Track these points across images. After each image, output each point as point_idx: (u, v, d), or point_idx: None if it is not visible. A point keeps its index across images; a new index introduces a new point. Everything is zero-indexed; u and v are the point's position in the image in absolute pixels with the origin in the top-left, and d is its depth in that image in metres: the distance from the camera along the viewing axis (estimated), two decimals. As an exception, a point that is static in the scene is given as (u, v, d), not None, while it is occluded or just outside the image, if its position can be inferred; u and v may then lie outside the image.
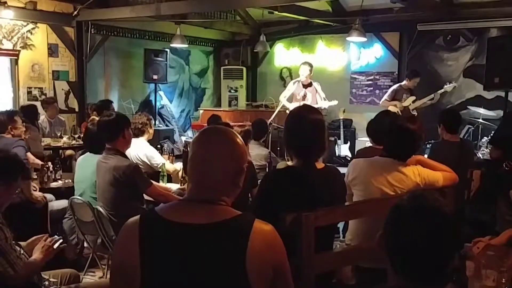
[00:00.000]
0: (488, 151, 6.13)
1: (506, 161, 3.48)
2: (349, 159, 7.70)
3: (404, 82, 7.50)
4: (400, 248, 1.39)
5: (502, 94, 6.60)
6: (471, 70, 8.21)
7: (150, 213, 1.62)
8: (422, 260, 1.36)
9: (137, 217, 1.58)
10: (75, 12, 8.04)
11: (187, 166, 1.65)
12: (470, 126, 7.22)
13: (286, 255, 1.60)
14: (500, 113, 6.80)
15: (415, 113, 7.08)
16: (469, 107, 7.62)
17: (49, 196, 4.79)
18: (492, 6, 7.55)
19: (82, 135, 7.06)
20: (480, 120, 7.01)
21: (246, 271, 1.47)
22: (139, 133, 4.87)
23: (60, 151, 6.94)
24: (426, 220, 1.36)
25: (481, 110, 7.16)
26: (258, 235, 1.50)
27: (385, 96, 7.60)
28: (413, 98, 7.36)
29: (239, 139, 1.65)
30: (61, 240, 2.83)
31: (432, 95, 7.28)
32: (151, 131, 5.09)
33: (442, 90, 7.27)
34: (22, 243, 2.78)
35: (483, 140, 6.62)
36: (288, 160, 3.35)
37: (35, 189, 4.56)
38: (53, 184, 4.90)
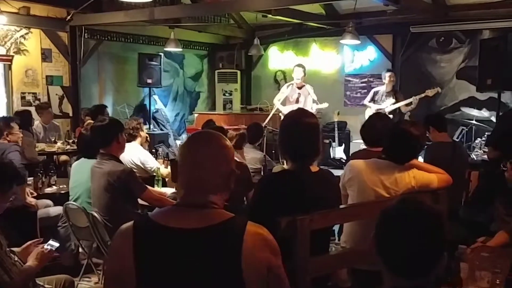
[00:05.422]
0: (482, 152, 6.17)
1: (503, 161, 3.50)
2: (344, 161, 7.72)
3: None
4: (388, 248, 1.45)
5: (495, 95, 6.64)
6: (464, 71, 8.25)
7: (143, 219, 1.63)
8: (410, 259, 1.42)
9: (131, 223, 1.58)
10: (69, 17, 8.01)
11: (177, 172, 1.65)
12: (463, 127, 7.25)
13: (281, 257, 1.60)
14: (493, 114, 6.84)
15: (391, 116, 6.92)
16: (462, 108, 7.64)
17: (47, 201, 4.78)
18: (484, 8, 7.60)
19: (76, 140, 7.06)
20: (474, 122, 7.05)
21: (242, 272, 1.48)
22: (131, 138, 4.88)
23: (55, 156, 6.91)
24: (411, 221, 1.43)
25: (475, 112, 7.19)
26: (251, 236, 1.52)
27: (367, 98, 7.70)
28: (392, 101, 7.38)
29: (228, 142, 1.67)
30: (56, 245, 2.82)
31: (410, 100, 7.22)
32: (143, 134, 5.12)
33: (423, 95, 7.16)
34: (16, 249, 2.77)
35: (476, 141, 6.65)
36: (283, 164, 3.36)
37: (34, 194, 4.56)
38: (48, 190, 4.89)
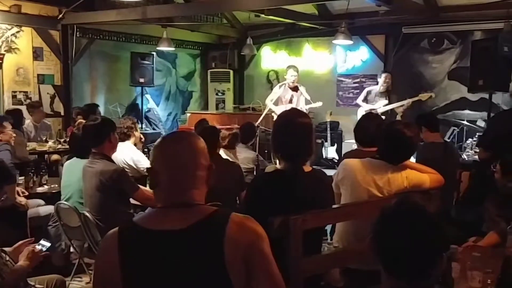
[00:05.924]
0: (473, 152, 6.21)
1: (494, 162, 3.53)
2: (336, 161, 7.74)
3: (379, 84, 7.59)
4: (385, 250, 1.45)
5: (486, 96, 6.68)
6: (455, 72, 8.29)
7: (128, 224, 1.62)
8: (407, 261, 1.42)
9: (116, 228, 1.59)
10: (60, 16, 7.96)
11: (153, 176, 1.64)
12: (455, 128, 7.28)
13: (268, 243, 1.58)
14: (484, 114, 6.88)
15: (383, 117, 6.81)
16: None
17: (38, 201, 4.75)
18: (476, 9, 7.64)
19: (68, 139, 7.02)
20: (465, 122, 7.09)
21: (225, 261, 1.48)
22: (125, 137, 4.86)
23: (46, 155, 6.87)
24: (410, 222, 1.43)
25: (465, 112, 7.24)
26: (233, 224, 1.52)
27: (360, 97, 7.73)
28: (385, 102, 7.41)
29: (200, 138, 1.68)
30: (48, 245, 2.81)
31: (403, 102, 7.25)
32: (137, 134, 5.10)
33: (416, 98, 7.18)
34: (7, 249, 2.75)
35: (467, 141, 6.69)
36: (276, 163, 3.36)
37: (25, 193, 4.53)
38: (39, 189, 4.85)
